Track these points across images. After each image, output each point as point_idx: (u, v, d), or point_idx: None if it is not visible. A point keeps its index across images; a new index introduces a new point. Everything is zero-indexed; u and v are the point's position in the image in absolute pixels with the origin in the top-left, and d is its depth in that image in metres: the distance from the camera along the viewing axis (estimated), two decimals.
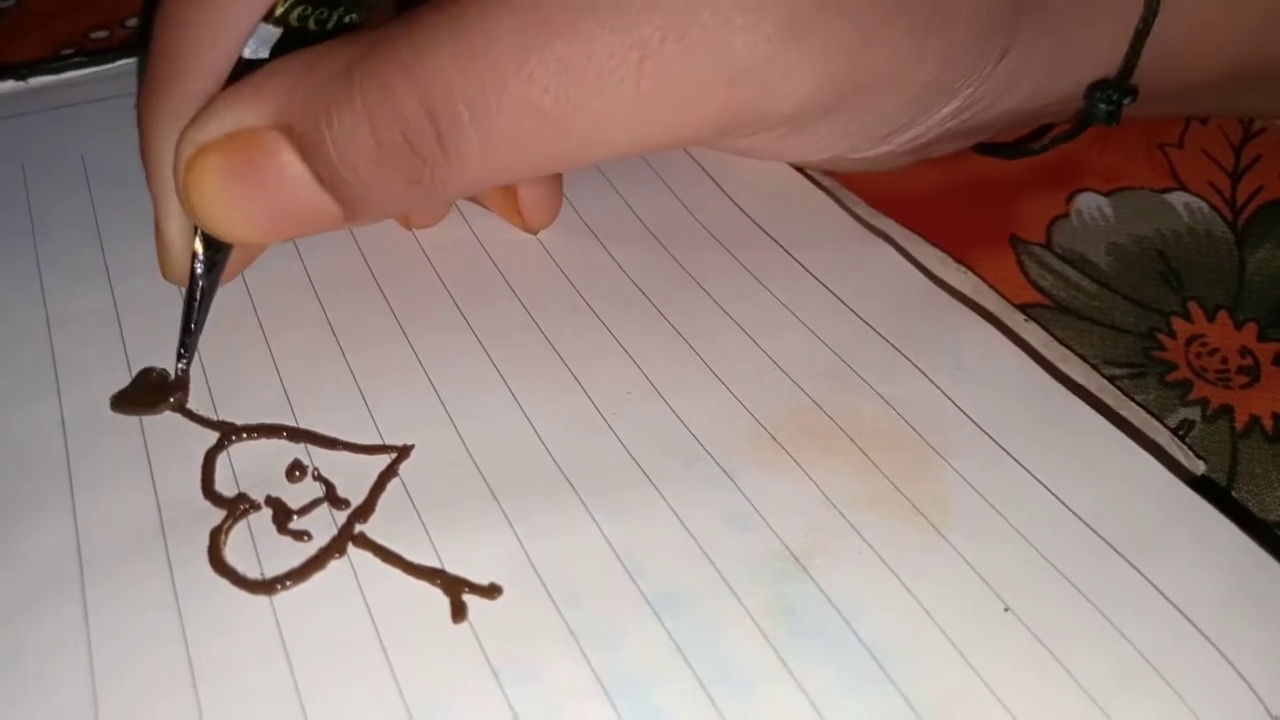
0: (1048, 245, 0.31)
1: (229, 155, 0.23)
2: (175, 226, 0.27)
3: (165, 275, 0.28)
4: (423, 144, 0.23)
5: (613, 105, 0.23)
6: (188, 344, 0.27)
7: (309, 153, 0.23)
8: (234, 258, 0.27)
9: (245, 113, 0.23)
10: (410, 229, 0.31)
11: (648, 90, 0.23)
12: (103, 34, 0.39)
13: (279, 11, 0.25)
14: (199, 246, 0.26)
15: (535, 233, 0.30)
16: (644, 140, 0.24)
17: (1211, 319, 0.29)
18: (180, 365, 0.27)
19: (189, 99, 0.25)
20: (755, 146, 0.28)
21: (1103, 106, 0.27)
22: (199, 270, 0.26)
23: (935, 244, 0.30)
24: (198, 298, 0.27)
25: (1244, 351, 0.28)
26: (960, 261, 0.30)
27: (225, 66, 0.25)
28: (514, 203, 0.29)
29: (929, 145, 0.29)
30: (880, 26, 0.24)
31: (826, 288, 0.28)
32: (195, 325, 0.27)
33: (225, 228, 0.24)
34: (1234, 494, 0.25)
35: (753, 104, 0.24)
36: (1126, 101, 0.27)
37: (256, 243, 0.27)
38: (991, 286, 0.29)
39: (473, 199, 0.31)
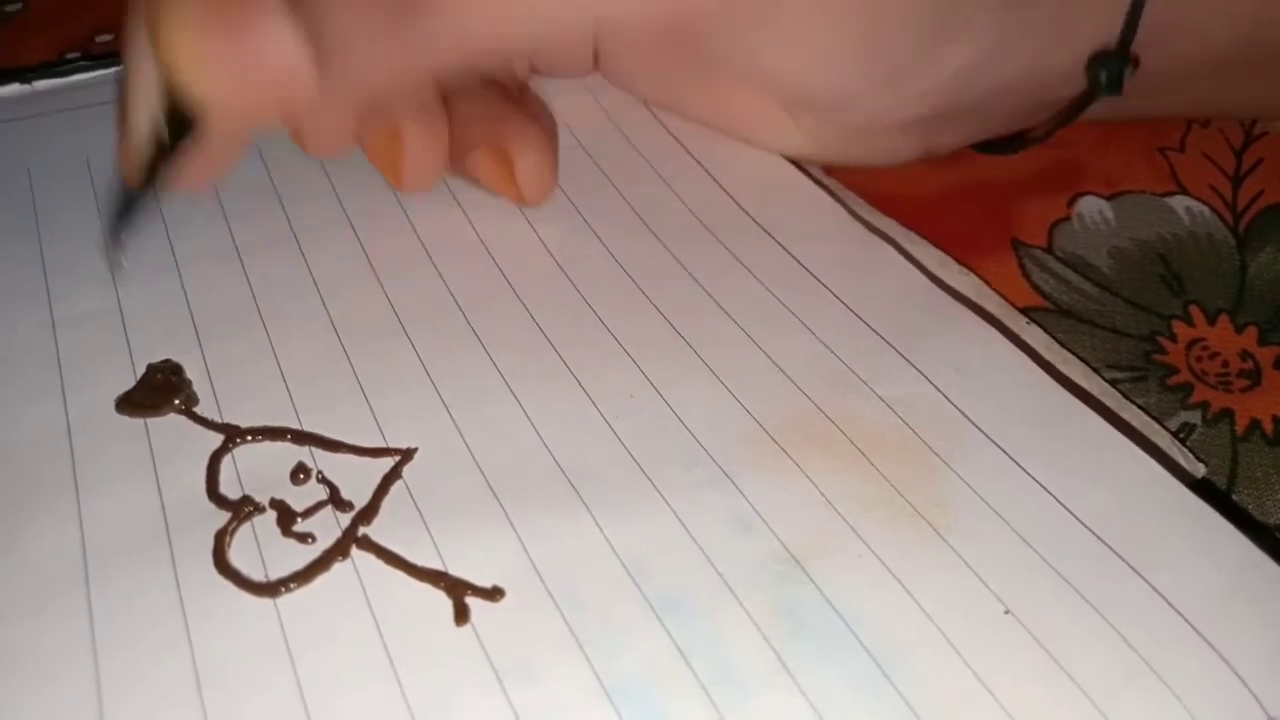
0: (1049, 249, 0.31)
1: (217, 5, 0.22)
2: (144, 112, 0.24)
3: (126, 174, 0.26)
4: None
5: None
6: (128, 223, 0.25)
7: (302, 11, 0.22)
8: (204, 157, 0.25)
9: None
10: (403, 189, 0.30)
11: None
12: (107, 37, 0.39)
13: None
14: (159, 122, 0.24)
15: (530, 205, 0.30)
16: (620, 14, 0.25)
17: (1212, 322, 0.29)
18: (115, 250, 0.25)
19: None
20: (759, 65, 0.28)
21: (1104, 74, 0.27)
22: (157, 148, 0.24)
23: (937, 244, 0.30)
24: (150, 175, 0.24)
25: (1245, 355, 0.28)
26: (962, 263, 0.30)
27: None
28: (510, 175, 0.29)
29: (933, 124, 0.28)
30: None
31: (828, 289, 0.28)
32: (139, 205, 0.25)
33: (204, 84, 0.23)
34: (1234, 497, 0.25)
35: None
36: (1127, 71, 0.27)
37: (225, 109, 0.24)
38: (993, 288, 0.29)
39: (469, 176, 0.31)
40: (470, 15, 0.24)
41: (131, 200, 0.24)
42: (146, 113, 0.24)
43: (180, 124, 0.24)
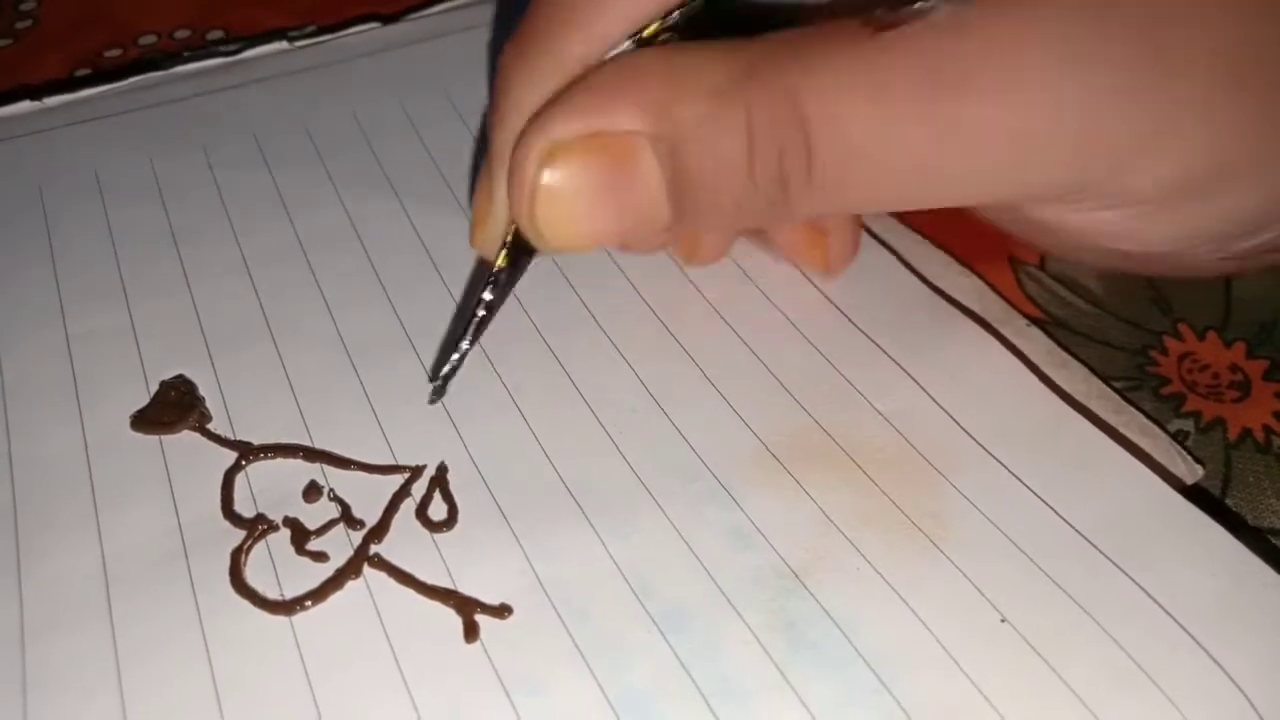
0: (1042, 267, 0.31)
1: (591, 157, 0.22)
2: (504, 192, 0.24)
3: (475, 243, 0.26)
4: (793, 170, 0.22)
5: (981, 165, 0.23)
6: (458, 357, 0.25)
7: (673, 163, 0.22)
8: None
9: (613, 114, 0.22)
10: (691, 264, 0.30)
11: (1015, 158, 0.23)
12: (116, 52, 0.40)
13: (647, 33, 0.23)
14: (501, 257, 0.24)
15: (832, 276, 0.30)
16: (992, 195, 0.24)
17: (1201, 338, 0.29)
18: (444, 372, 0.25)
19: (562, 62, 0.23)
20: (1094, 227, 0.26)
21: None
22: (498, 277, 0.24)
23: (939, 245, 0.30)
24: (482, 309, 0.25)
25: (1234, 368, 0.28)
26: (964, 263, 0.30)
27: (602, 48, 0.23)
28: (817, 246, 0.29)
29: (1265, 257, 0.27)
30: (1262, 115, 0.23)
31: (827, 297, 0.29)
32: (474, 336, 0.25)
33: (564, 233, 0.22)
34: (1228, 501, 0.26)
35: (1109, 179, 0.23)
36: None
37: (577, 251, 0.25)
38: (995, 290, 0.29)
39: (765, 245, 0.30)
40: (848, 198, 0.23)
41: (459, 341, 0.25)
42: (502, 224, 0.25)
43: (521, 250, 0.24)
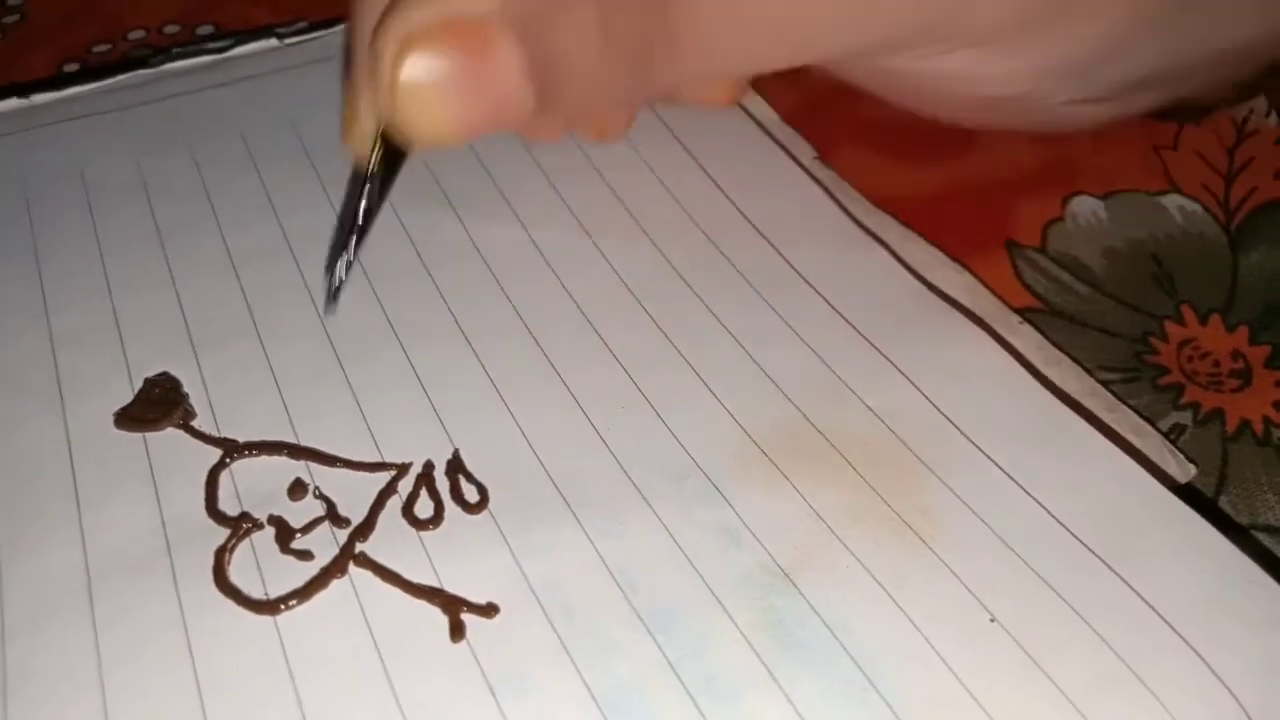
0: (1043, 249, 0.31)
1: (448, 44, 0.21)
2: (368, 123, 0.24)
3: (346, 140, 0.25)
4: (651, 40, 0.22)
5: (830, 13, 0.23)
6: (348, 261, 0.24)
7: (530, 46, 0.21)
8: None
9: None
10: (601, 140, 0.32)
11: (858, 4, 0.23)
12: (105, 47, 0.40)
13: None
14: (376, 153, 0.24)
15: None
16: (845, 45, 0.25)
17: (1204, 322, 0.29)
18: (334, 288, 0.25)
19: None
20: (943, 71, 0.26)
21: None
22: (373, 181, 0.24)
23: (932, 241, 0.30)
24: (364, 202, 0.24)
25: (1236, 355, 0.28)
26: (956, 259, 0.30)
27: None
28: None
29: (1124, 98, 0.28)
30: None
31: (818, 293, 0.29)
32: (359, 239, 0.24)
33: (428, 125, 0.22)
34: (1224, 498, 0.26)
35: (949, 20, 0.24)
36: None
37: (448, 145, 0.23)
38: (988, 287, 0.29)
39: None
40: (711, 63, 0.24)
41: (342, 253, 0.25)
42: (369, 125, 0.24)
43: (394, 150, 0.24)
